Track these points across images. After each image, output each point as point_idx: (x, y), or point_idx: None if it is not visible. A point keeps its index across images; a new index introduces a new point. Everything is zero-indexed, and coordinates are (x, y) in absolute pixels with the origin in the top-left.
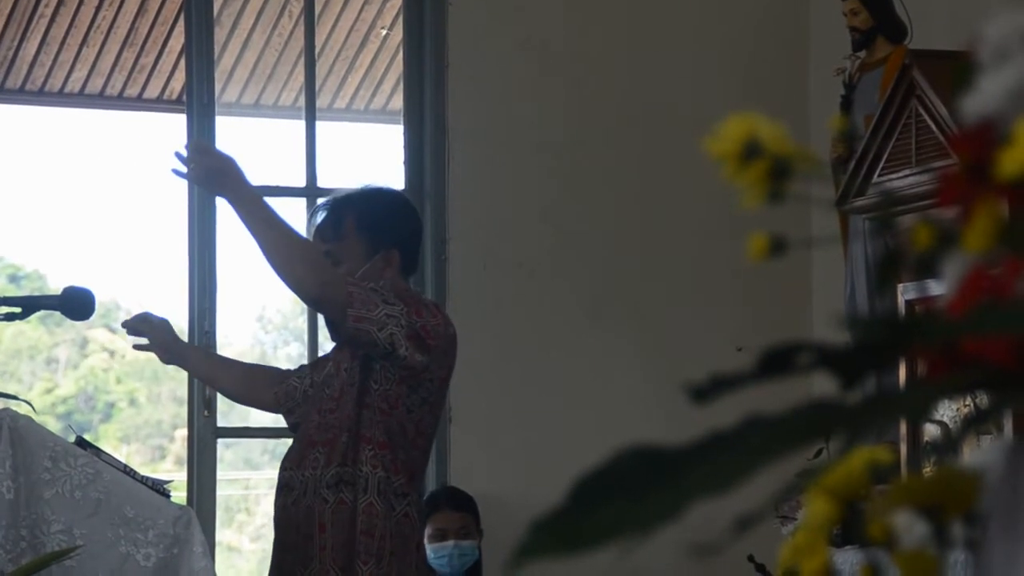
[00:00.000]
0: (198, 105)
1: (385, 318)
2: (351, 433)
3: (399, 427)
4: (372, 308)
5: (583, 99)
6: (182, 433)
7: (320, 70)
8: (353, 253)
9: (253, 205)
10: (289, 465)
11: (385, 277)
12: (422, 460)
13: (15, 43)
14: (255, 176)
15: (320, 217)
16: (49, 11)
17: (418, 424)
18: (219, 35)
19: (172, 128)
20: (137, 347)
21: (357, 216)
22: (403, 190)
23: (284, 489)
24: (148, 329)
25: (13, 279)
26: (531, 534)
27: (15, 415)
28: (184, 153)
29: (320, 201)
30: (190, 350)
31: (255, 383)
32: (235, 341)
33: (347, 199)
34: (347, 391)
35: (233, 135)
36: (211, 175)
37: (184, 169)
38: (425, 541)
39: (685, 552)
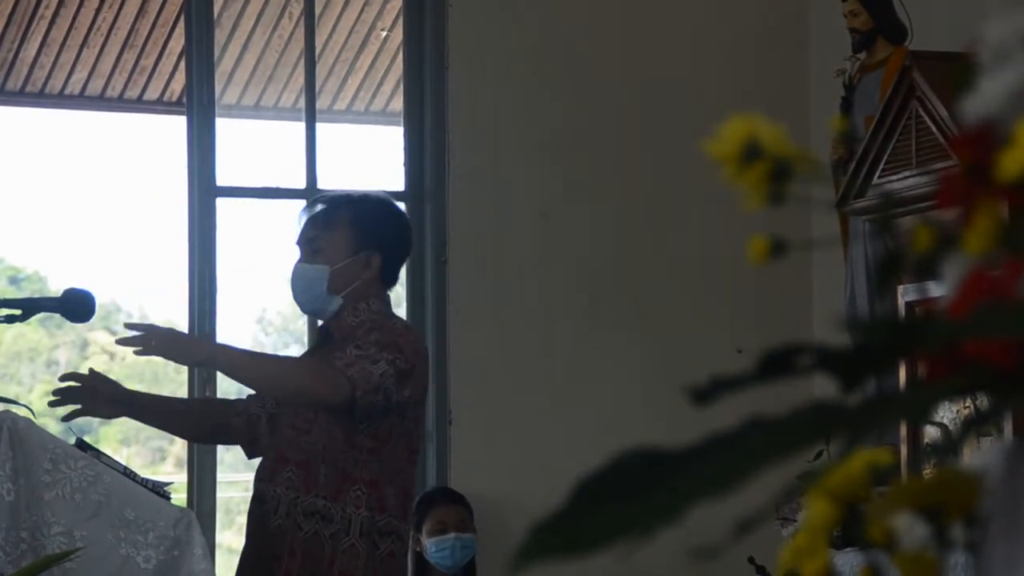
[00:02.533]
0: (198, 107)
1: (380, 379)
2: (333, 468)
3: (391, 457)
4: (370, 377)
5: (582, 100)
6: None
7: (320, 72)
8: (338, 245)
9: (233, 360)
10: (263, 476)
11: (362, 278)
12: (412, 482)
13: (15, 45)
14: (256, 178)
15: (318, 207)
16: (49, 13)
17: (409, 441)
18: (219, 37)
19: (172, 130)
20: (138, 353)
21: (352, 213)
22: (403, 191)
23: (257, 499)
24: (89, 383)
25: (13, 281)
26: (532, 536)
27: (15, 418)
28: (132, 333)
29: (322, 196)
30: (136, 398)
31: (208, 420)
32: (235, 343)
33: (348, 196)
34: (322, 415)
35: (233, 137)
36: (173, 349)
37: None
38: (423, 537)
39: (686, 554)
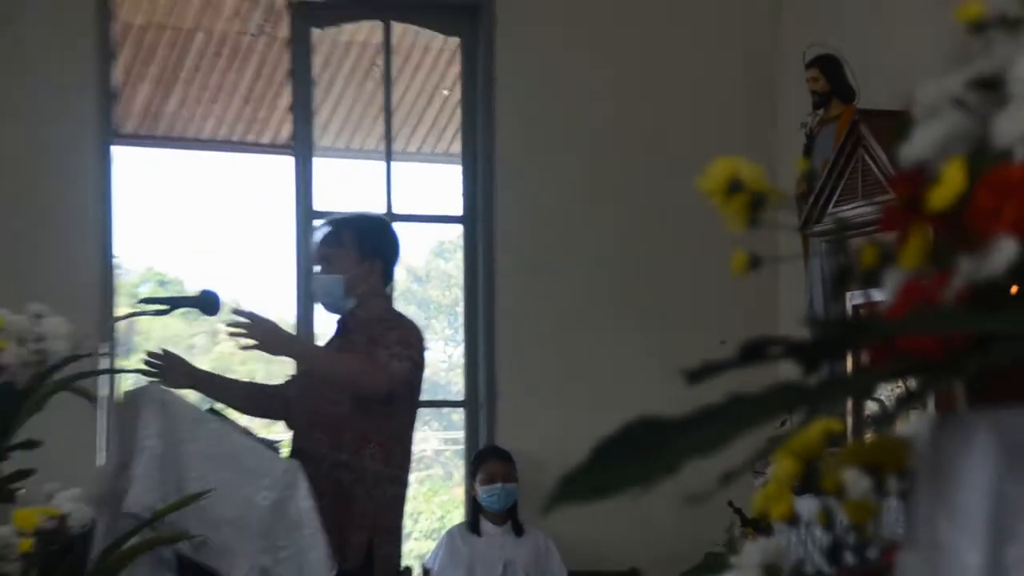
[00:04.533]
0: (301, 149)
1: (406, 375)
2: (354, 432)
3: (399, 424)
4: (401, 374)
5: (602, 144)
6: None
7: (395, 121)
8: (348, 259)
9: (308, 353)
10: (299, 438)
11: (368, 281)
12: (412, 441)
13: (161, 100)
14: (346, 206)
15: (324, 231)
16: (187, 76)
17: (411, 410)
18: (318, 94)
19: (281, 166)
20: (243, 347)
21: (354, 232)
22: (462, 215)
23: (297, 452)
24: (165, 359)
25: (160, 284)
26: (560, 485)
27: (164, 391)
28: (239, 319)
29: (321, 221)
30: (204, 375)
31: (261, 398)
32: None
33: (346, 219)
34: (348, 393)
35: (327, 173)
36: (268, 339)
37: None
38: (477, 485)
39: (681, 500)
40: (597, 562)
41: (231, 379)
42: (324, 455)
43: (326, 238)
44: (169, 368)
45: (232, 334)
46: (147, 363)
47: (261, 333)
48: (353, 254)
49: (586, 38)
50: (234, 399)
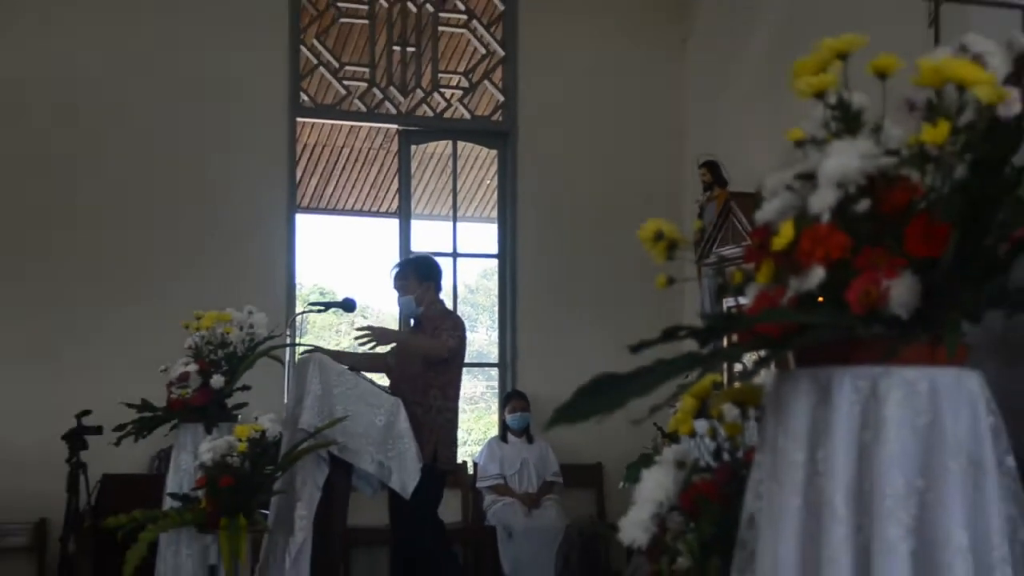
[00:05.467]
0: (403, 214)
1: (455, 347)
2: (424, 382)
3: (451, 375)
4: (451, 345)
5: (584, 211)
6: None
7: (460, 198)
8: (412, 285)
9: (401, 339)
10: (395, 385)
11: (428, 297)
12: (459, 386)
13: (323, 186)
14: (427, 248)
15: (397, 270)
16: (338, 172)
17: (458, 367)
18: (413, 182)
19: (390, 227)
20: (364, 344)
21: (413, 267)
22: (497, 253)
23: (393, 394)
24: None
25: (321, 293)
26: (555, 414)
27: (322, 357)
28: (363, 336)
29: (397, 263)
30: (346, 355)
31: (379, 362)
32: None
33: (407, 260)
34: (417, 359)
35: (421, 232)
36: (381, 340)
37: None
38: (506, 413)
39: (628, 422)
40: (576, 458)
41: (369, 353)
42: (408, 396)
43: (398, 274)
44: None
45: (358, 338)
46: (358, 336)
47: (375, 335)
48: (414, 281)
49: (573, 151)
50: (371, 362)
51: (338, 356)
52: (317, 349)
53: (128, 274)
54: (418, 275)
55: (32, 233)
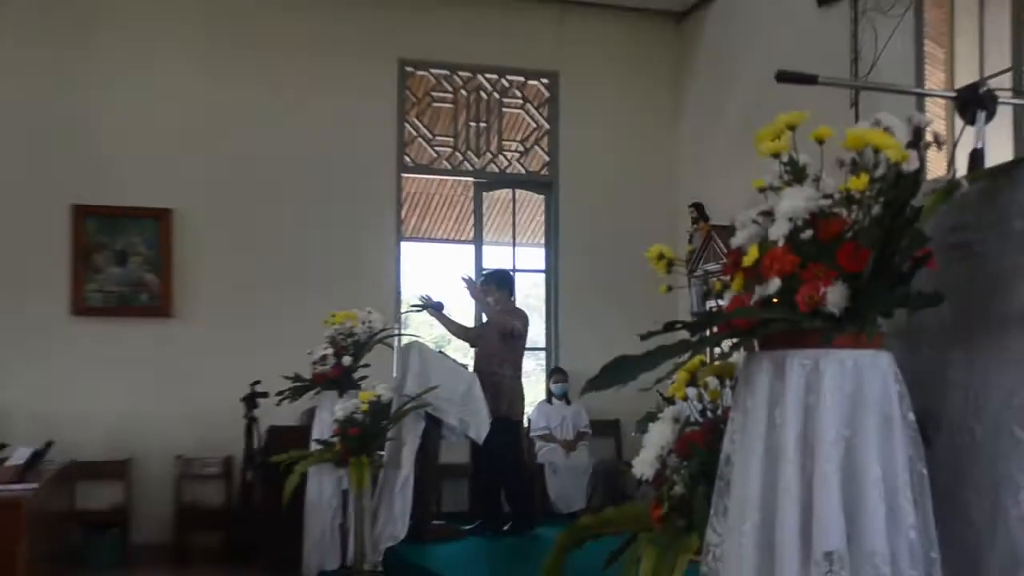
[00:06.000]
0: (477, 241)
1: (520, 329)
2: (500, 355)
3: (517, 350)
4: (518, 327)
5: (605, 239)
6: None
7: (517, 230)
8: (492, 291)
9: (488, 311)
10: (477, 356)
11: (503, 297)
12: (523, 358)
13: (420, 221)
14: (495, 265)
15: (481, 280)
16: (431, 212)
17: (522, 345)
18: (486, 221)
19: (468, 251)
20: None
21: (493, 278)
22: (543, 269)
23: (476, 365)
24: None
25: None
26: (586, 384)
27: (421, 344)
28: (468, 282)
29: (483, 273)
30: (451, 323)
31: (463, 333)
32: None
33: (489, 272)
34: (495, 337)
35: (490, 254)
36: (472, 294)
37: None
38: (551, 383)
39: (638, 389)
40: (601, 415)
41: (455, 321)
42: (485, 367)
43: (483, 283)
44: (427, 306)
45: (415, 305)
46: (418, 305)
47: (471, 290)
48: (494, 288)
49: (598, 196)
50: (455, 330)
51: (445, 322)
52: (423, 309)
53: (290, 287)
54: (497, 283)
55: (259, 263)
